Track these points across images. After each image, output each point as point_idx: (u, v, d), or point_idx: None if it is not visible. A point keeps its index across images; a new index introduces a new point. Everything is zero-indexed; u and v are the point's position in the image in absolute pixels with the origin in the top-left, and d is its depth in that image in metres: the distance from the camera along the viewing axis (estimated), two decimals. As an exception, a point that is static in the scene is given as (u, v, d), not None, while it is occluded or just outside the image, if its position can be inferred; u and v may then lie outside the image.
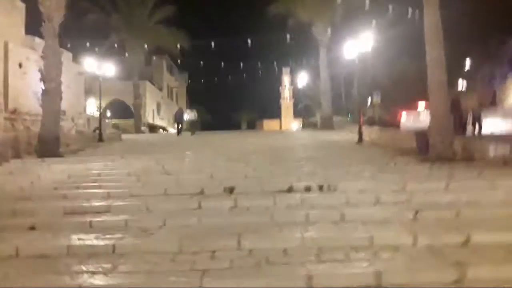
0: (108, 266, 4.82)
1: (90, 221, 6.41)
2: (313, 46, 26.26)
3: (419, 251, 4.93)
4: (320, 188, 7.67)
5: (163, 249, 5.26)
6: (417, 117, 19.69)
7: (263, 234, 5.56)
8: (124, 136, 23.61)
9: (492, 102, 28.71)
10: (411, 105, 21.93)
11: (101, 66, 20.93)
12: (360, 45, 16.37)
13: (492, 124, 18.79)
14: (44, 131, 14.13)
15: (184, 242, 5.35)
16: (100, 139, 20.07)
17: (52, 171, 10.65)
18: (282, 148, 15.35)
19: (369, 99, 34.40)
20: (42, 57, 14.66)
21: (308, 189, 7.67)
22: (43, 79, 14.57)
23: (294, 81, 48.09)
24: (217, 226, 5.96)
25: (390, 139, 15.63)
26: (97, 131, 25.44)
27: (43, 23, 14.38)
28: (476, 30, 28.30)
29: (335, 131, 20.98)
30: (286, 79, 71.91)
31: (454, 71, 33.00)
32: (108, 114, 38.66)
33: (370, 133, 17.79)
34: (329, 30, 22.20)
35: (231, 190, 7.89)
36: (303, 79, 30.86)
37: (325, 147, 15.39)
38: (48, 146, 13.95)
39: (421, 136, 12.85)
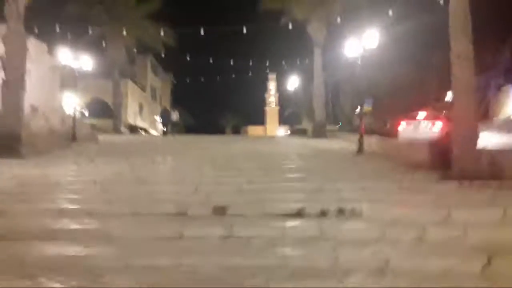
0: None
1: (22, 256, 4.38)
2: (306, 48, 24.60)
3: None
4: (341, 212, 5.78)
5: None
6: (417, 127, 18.05)
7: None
8: (101, 137, 21.40)
9: (485, 114, 27.41)
10: (407, 115, 20.32)
11: (77, 58, 18.72)
12: (364, 42, 14.63)
13: (486, 138, 17.29)
14: (1, 128, 11.96)
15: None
16: (74, 139, 17.87)
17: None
18: (276, 155, 13.47)
19: (358, 107, 32.96)
20: (3, 42, 12.49)
21: (324, 213, 5.77)
22: (3, 67, 12.40)
23: (282, 86, 46.39)
24: (203, 272, 4.00)
25: (393, 150, 13.89)
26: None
27: (6, 4, 12.25)
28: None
29: (328, 140, 19.23)
30: (272, 85, 70.54)
31: (444, 82, 31.86)
32: (88, 113, 36.25)
33: (370, 143, 16.03)
34: (325, 29, 20.46)
35: (222, 211, 5.95)
36: (294, 82, 28.96)
37: (322, 156, 13.55)
38: (6, 145, 11.78)
39: (436, 147, 11.15)
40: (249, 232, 5.11)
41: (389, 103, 29.34)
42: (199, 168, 10.24)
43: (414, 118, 18.65)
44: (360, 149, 14.35)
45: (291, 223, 5.36)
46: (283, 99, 49.06)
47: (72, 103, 28.89)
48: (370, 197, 6.91)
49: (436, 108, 24.77)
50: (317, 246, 4.60)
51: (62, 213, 5.95)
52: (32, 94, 22.77)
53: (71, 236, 5.02)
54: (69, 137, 18.10)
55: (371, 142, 15.93)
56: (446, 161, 9.99)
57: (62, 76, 25.69)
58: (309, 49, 22.96)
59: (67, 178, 8.78)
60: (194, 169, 10.16)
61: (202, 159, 12.05)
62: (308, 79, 31.76)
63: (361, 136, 14.60)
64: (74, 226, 5.36)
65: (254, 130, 66.21)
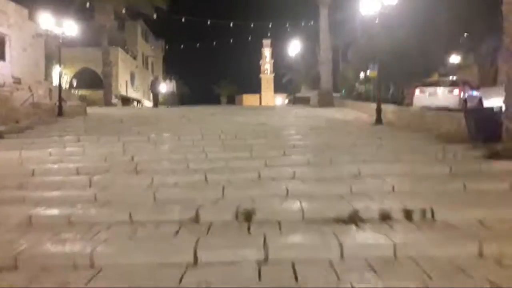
0: None
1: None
2: (307, 10, 22.60)
3: None
4: (408, 215, 4.24)
5: None
6: (433, 94, 16.40)
7: None
8: (90, 109, 19.57)
9: (494, 79, 25.75)
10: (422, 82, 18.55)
11: (60, 24, 16.63)
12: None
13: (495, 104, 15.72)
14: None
15: None
16: (60, 113, 16.09)
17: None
18: (286, 129, 11.83)
19: (362, 73, 31.10)
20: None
21: (385, 216, 4.23)
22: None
23: (280, 53, 44.13)
24: None
25: (416, 119, 12.31)
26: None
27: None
28: (475, 2, 25.04)
29: (336, 109, 17.56)
30: (266, 52, 67.97)
31: (449, 45, 29.91)
32: (76, 84, 34.13)
33: (385, 112, 14.41)
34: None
35: (248, 216, 4.38)
36: (295, 47, 26.89)
37: (339, 129, 11.95)
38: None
39: (477, 116, 9.54)
40: (292, 253, 3.56)
41: (393, 69, 27.54)
42: (203, 148, 8.62)
43: (428, 84, 17.00)
44: (378, 119, 12.77)
45: (349, 236, 3.80)
46: (280, 66, 46.88)
47: (56, 75, 26.94)
48: (428, 188, 5.37)
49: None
50: (397, 277, 3.04)
51: (30, 224, 4.36)
52: (14, 64, 20.85)
53: (40, 266, 3.43)
54: (55, 111, 16.31)
55: (385, 110, 14.34)
56: (493, 135, 8.48)
57: (48, 44, 23.60)
58: (311, 10, 20.97)
59: (45, 166, 7.14)
60: (198, 150, 8.54)
61: (204, 136, 10.41)
62: (309, 44, 29.74)
63: (379, 105, 12.98)
64: (45, 247, 3.77)
65: (249, 98, 64.28)
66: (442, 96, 16.10)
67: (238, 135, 10.71)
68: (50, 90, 22.26)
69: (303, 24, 28.11)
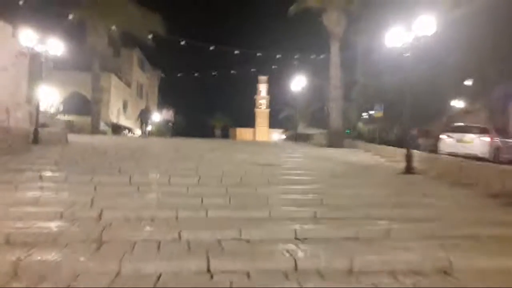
0: None
1: None
2: (313, 43, 20.86)
3: None
4: None
5: None
6: (461, 141, 14.31)
7: None
8: (74, 137, 17.19)
9: (506, 125, 23.87)
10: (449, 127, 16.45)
11: (43, 41, 14.44)
12: (416, 28, 10.73)
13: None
14: None
15: None
16: (35, 140, 13.69)
17: None
18: (303, 173, 9.52)
19: (364, 114, 29.24)
20: None
21: None
22: None
23: (278, 88, 42.42)
24: None
25: (452, 170, 10.11)
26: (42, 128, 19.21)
27: None
28: (488, 48, 23.54)
29: (348, 150, 15.36)
30: (262, 87, 66.63)
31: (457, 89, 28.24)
32: (66, 109, 31.68)
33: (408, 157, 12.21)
34: (344, 20, 16.54)
35: None
36: (298, 82, 25.00)
37: (366, 178, 9.67)
38: None
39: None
40: None
41: (399, 110, 25.64)
42: (202, 199, 6.27)
43: (455, 130, 14.93)
44: (408, 167, 10.53)
45: None
46: (277, 101, 45.11)
47: (36, 98, 24.62)
48: None
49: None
50: None
51: None
52: (-10, 84, 18.49)
53: None
54: (30, 137, 13.89)
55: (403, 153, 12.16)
56: None
57: (36, 65, 21.35)
58: (318, 44, 19.11)
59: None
60: (194, 202, 6.18)
61: (202, 179, 8.06)
62: (311, 80, 27.93)
63: (409, 151, 10.78)
64: None
65: (242, 132, 62.27)
66: (471, 142, 14.04)
67: (244, 179, 8.39)
68: (31, 114, 19.83)
69: (311, 57, 26.36)
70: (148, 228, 4.72)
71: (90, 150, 12.88)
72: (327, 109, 18.30)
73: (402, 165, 12.30)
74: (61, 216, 5.17)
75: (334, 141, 16.40)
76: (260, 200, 6.52)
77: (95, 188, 6.88)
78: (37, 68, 22.44)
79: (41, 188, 6.72)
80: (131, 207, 5.76)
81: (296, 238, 4.69)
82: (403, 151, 13.44)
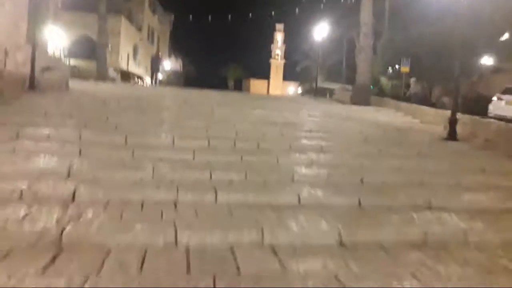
0: None
1: None
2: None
3: None
4: None
5: None
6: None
7: None
8: (77, 84, 15.76)
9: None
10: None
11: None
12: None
13: None
14: None
15: None
16: (31, 86, 12.27)
17: None
18: (328, 137, 8.01)
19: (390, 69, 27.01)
20: None
21: None
22: None
23: (295, 38, 39.82)
24: None
25: (505, 138, 8.51)
26: (45, 72, 17.75)
27: None
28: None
29: (375, 108, 13.68)
30: (279, 36, 63.44)
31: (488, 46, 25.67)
32: (73, 53, 30.00)
33: (442, 117, 10.58)
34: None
35: None
36: (321, 31, 22.74)
37: (405, 144, 8.16)
38: None
39: None
40: None
41: (430, 65, 23.43)
42: (211, 173, 4.87)
43: (506, 92, 13.11)
44: (452, 133, 8.96)
45: None
46: (294, 52, 42.64)
47: (38, 38, 22.92)
48: None
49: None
50: None
51: None
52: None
53: None
54: (26, 83, 12.48)
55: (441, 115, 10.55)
56: None
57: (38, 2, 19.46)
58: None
59: None
60: (201, 176, 4.77)
61: (212, 141, 6.66)
62: (331, 30, 25.57)
63: (454, 114, 9.14)
64: None
65: (257, 84, 60.03)
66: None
67: (262, 143, 6.93)
68: (34, 56, 18.24)
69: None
70: (133, 225, 3.32)
71: (89, 99, 11.47)
72: (353, 61, 16.36)
73: (439, 128, 10.75)
74: (20, 196, 3.81)
75: (360, 97, 14.68)
76: (284, 176, 5.09)
77: (80, 152, 5.50)
78: (39, 5, 20.66)
79: (13, 150, 5.35)
80: (117, 183, 4.38)
81: (341, 245, 3.30)
82: (440, 112, 11.83)
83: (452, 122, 8.99)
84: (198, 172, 4.94)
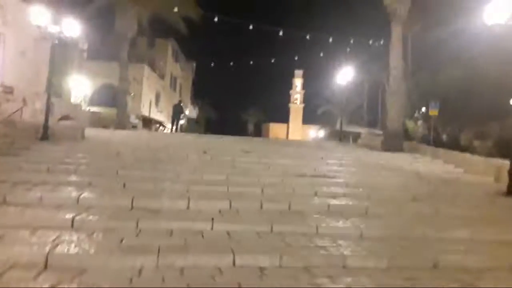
0: None
1: None
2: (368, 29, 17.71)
3: None
4: None
5: None
6: None
7: None
8: (94, 132, 15.02)
9: None
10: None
11: (57, 21, 12.12)
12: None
13: None
14: None
15: None
16: (44, 136, 11.52)
17: None
18: (374, 197, 6.69)
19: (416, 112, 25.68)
20: None
21: None
22: None
23: (315, 82, 39.27)
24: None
25: None
26: (62, 121, 17.18)
27: None
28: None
29: (410, 156, 12.31)
30: (298, 82, 63.37)
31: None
32: (97, 101, 29.88)
33: (501, 170, 9.14)
34: (408, -1, 13.32)
35: None
36: (346, 75, 21.84)
37: (456, 203, 6.74)
38: None
39: None
40: None
41: (455, 108, 22.05)
42: (232, 250, 3.62)
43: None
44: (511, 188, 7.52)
45: None
46: (314, 96, 41.90)
47: (62, 88, 22.69)
48: None
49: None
50: None
51: None
52: (7, 70, 16.50)
53: None
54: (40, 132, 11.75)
55: (501, 167, 9.11)
56: None
57: (61, 52, 19.33)
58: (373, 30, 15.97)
59: None
60: (225, 274, 3.50)
61: (238, 206, 5.45)
62: (355, 74, 24.68)
63: (515, 165, 7.74)
64: None
65: (276, 128, 59.34)
66: None
67: (294, 204, 5.69)
68: (52, 105, 17.79)
69: (370, 42, 22.99)
70: None
71: (103, 150, 10.48)
72: (375, 105, 15.23)
73: (489, 179, 9.32)
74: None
75: (392, 143, 13.35)
76: (331, 259, 3.78)
77: (72, 223, 4.36)
78: (63, 55, 20.53)
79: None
80: (110, 276, 3.16)
81: None
82: (490, 161, 10.41)
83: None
84: (216, 256, 3.67)
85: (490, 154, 14.04)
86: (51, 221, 4.45)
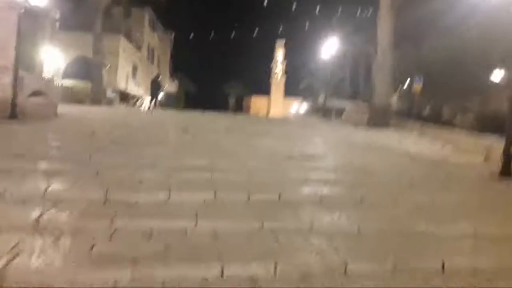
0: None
1: None
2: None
3: None
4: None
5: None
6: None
7: None
8: (69, 108, 14.26)
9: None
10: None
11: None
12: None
13: None
14: None
15: None
16: (13, 114, 10.79)
17: None
18: (368, 183, 6.34)
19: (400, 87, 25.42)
20: None
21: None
22: None
23: (298, 54, 38.40)
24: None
25: None
26: (33, 97, 16.20)
27: None
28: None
29: (398, 133, 12.01)
30: (280, 53, 62.11)
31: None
32: (71, 74, 28.50)
33: (492, 150, 8.94)
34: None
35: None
36: (331, 47, 21.19)
37: (459, 190, 6.46)
38: None
39: None
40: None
41: (439, 82, 21.81)
42: (229, 268, 3.18)
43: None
44: (506, 169, 7.30)
45: None
46: (296, 69, 41.10)
47: (33, 61, 21.51)
48: None
49: None
50: None
51: None
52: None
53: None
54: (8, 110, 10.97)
55: (491, 147, 8.91)
56: None
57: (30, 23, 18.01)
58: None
59: None
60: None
61: (222, 196, 5.02)
62: (339, 45, 24.09)
63: (510, 144, 7.48)
64: None
65: (258, 102, 58.43)
66: None
67: (284, 192, 5.27)
68: (21, 78, 16.68)
69: (358, 13, 22.29)
70: None
71: (76, 130, 9.81)
72: (357, 78, 14.79)
73: (478, 159, 9.13)
74: None
75: (378, 119, 13.02)
76: (329, 262, 3.39)
77: (37, 221, 3.84)
78: (31, 25, 19.19)
79: None
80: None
81: None
82: (474, 139, 10.22)
83: (508, 156, 7.31)
84: (204, 266, 3.23)
85: (471, 128, 13.92)
86: (13, 222, 3.90)
